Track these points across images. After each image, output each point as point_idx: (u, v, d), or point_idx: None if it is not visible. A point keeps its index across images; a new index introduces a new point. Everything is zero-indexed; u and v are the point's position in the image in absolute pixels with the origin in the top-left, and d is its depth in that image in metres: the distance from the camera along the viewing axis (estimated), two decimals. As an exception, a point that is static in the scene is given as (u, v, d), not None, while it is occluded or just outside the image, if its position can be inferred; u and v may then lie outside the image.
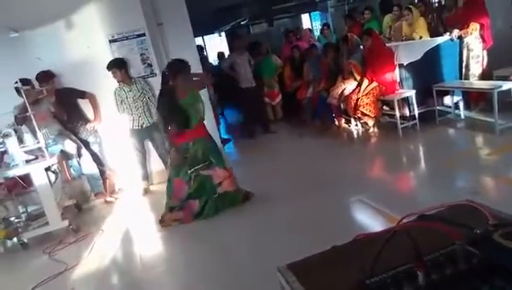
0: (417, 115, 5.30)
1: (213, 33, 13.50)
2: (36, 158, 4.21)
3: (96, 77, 5.04)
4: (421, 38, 5.82)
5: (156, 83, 4.73)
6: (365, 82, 5.56)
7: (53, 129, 4.79)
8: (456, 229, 1.05)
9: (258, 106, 7.02)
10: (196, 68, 4.27)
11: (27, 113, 4.10)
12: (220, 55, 9.34)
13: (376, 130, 5.75)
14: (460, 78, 5.47)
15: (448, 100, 5.52)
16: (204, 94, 4.51)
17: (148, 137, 5.17)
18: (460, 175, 3.99)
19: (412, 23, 5.97)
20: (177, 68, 3.87)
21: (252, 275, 2.86)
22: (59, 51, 4.98)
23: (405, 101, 5.40)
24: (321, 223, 3.34)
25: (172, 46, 5.34)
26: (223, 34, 13.52)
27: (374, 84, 5.49)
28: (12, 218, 4.38)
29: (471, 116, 5.38)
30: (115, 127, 5.19)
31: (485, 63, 5.35)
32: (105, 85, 5.00)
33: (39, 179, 4.08)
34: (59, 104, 4.90)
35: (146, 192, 5.21)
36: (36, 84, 4.70)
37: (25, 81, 4.33)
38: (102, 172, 5.19)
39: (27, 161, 4.13)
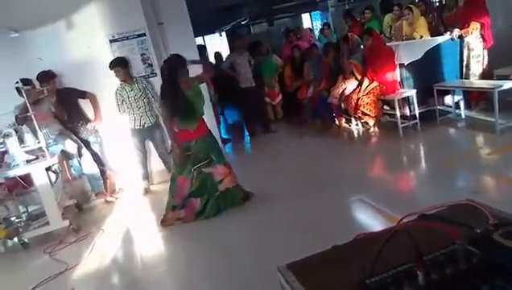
0: (417, 115, 5.29)
1: (214, 33, 13.50)
2: (37, 158, 4.22)
3: (96, 77, 5.05)
4: (421, 37, 5.81)
5: (157, 83, 4.73)
6: (366, 82, 5.55)
7: (54, 129, 4.80)
8: (457, 229, 1.05)
9: (258, 106, 7.02)
10: (196, 68, 4.27)
11: (28, 113, 4.10)
12: (217, 55, 9.20)
13: (376, 129, 5.75)
14: (461, 77, 5.47)
15: (448, 99, 5.52)
16: (203, 92, 4.50)
17: (149, 137, 5.18)
18: (460, 174, 3.99)
19: (413, 23, 5.96)
20: (176, 62, 3.86)
21: (253, 275, 2.86)
22: (59, 51, 4.98)
23: (405, 100, 5.39)
24: (321, 223, 3.34)
25: (173, 46, 5.33)
26: (223, 34, 13.51)
27: (375, 83, 5.49)
28: (13, 218, 4.38)
29: (471, 115, 5.37)
30: (116, 127, 5.20)
31: (485, 62, 5.34)
32: (106, 85, 5.00)
33: (40, 179, 4.08)
34: (60, 104, 4.91)
35: (147, 191, 5.22)
36: (37, 84, 4.70)
37: (26, 81, 4.34)
38: (103, 172, 5.19)
39: (28, 161, 4.14)
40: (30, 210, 4.53)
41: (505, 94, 4.52)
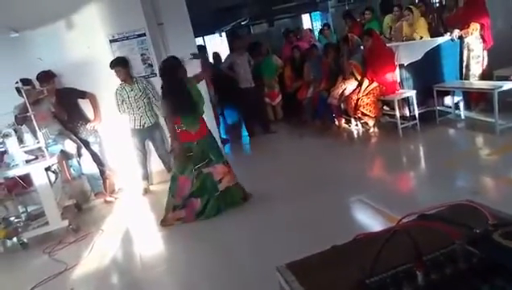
0: (417, 115, 5.29)
1: (214, 33, 13.49)
2: (36, 158, 4.22)
3: (96, 77, 5.05)
4: (421, 38, 5.81)
5: (157, 83, 4.73)
6: (366, 82, 5.55)
7: (53, 129, 4.79)
8: (456, 229, 1.05)
9: (257, 106, 7.02)
10: (194, 67, 4.27)
11: (28, 113, 4.10)
12: (216, 55, 9.17)
13: (376, 130, 5.75)
14: (461, 78, 5.47)
15: (448, 100, 5.52)
16: (203, 91, 4.51)
17: (149, 137, 5.18)
18: (460, 175, 3.99)
19: (413, 23, 5.97)
20: (173, 63, 3.87)
21: (252, 275, 2.86)
22: (59, 51, 4.98)
23: (405, 101, 5.39)
24: (321, 223, 3.34)
25: (173, 46, 5.33)
26: (223, 34, 13.51)
27: (375, 84, 5.49)
28: (12, 218, 4.38)
29: (471, 116, 5.37)
30: (115, 127, 5.19)
31: (485, 63, 5.34)
32: (106, 85, 5.00)
33: (39, 179, 4.08)
34: (60, 104, 4.90)
35: (146, 192, 5.21)
36: (37, 84, 4.70)
37: (25, 81, 4.34)
38: (102, 172, 5.19)
39: (27, 161, 4.14)
40: (29, 210, 4.53)
41: (504, 95, 4.52)
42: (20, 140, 4.09)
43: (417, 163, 4.66)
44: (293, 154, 5.81)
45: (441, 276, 0.93)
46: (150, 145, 5.26)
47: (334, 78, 6.18)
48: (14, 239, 4.18)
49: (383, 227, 1.49)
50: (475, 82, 5.29)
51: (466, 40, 5.31)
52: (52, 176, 4.46)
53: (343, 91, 5.84)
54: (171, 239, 3.84)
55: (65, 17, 4.94)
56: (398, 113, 5.23)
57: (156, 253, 3.69)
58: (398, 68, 5.50)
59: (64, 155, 4.74)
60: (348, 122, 6.19)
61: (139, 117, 5.02)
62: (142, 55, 5.17)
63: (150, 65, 5.21)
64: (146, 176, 5.29)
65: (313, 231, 3.13)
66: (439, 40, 5.41)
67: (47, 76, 4.81)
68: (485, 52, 5.31)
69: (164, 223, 4.05)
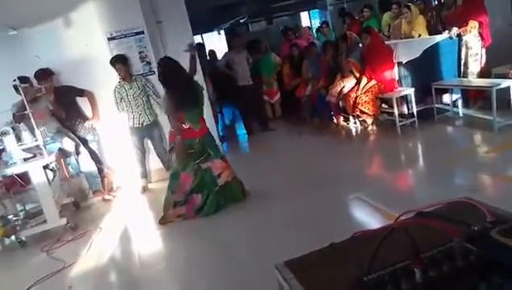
0: (415, 113, 5.30)
1: (212, 31, 13.47)
2: (34, 156, 4.20)
3: (94, 75, 5.03)
4: (420, 36, 5.82)
5: (155, 81, 4.72)
6: (364, 80, 5.55)
7: (51, 127, 4.78)
8: (454, 227, 1.05)
9: (255, 104, 7.01)
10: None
11: (26, 111, 4.08)
12: (211, 53, 9.12)
13: (374, 127, 5.76)
14: (459, 76, 5.48)
15: (446, 98, 5.53)
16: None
17: (148, 135, 5.17)
18: (458, 172, 3.99)
19: (411, 21, 5.97)
20: (169, 64, 3.89)
21: (251, 272, 2.86)
22: (57, 49, 4.96)
23: (403, 99, 5.39)
24: (319, 220, 3.34)
25: (171, 44, 5.31)
26: (222, 32, 13.48)
27: (373, 82, 5.49)
28: (10, 216, 4.37)
29: (469, 114, 5.38)
30: (113, 125, 5.18)
31: (483, 61, 5.35)
32: (104, 83, 4.99)
33: (37, 177, 4.07)
34: (58, 102, 4.89)
35: (145, 190, 5.21)
36: (35, 82, 4.69)
37: (23, 79, 4.33)
38: (100, 170, 5.18)
39: (25, 159, 4.12)
40: (27, 208, 4.52)
41: (502, 93, 4.52)
42: (18, 138, 4.07)
43: (415, 160, 4.67)
44: (291, 152, 5.81)
45: (439, 273, 0.93)
46: (148, 143, 5.26)
47: (332, 76, 6.18)
48: (13, 237, 4.17)
49: (381, 225, 1.50)
50: (473, 80, 5.30)
51: (464, 38, 5.31)
52: (50, 174, 4.44)
53: (341, 89, 5.84)
54: (170, 237, 3.84)
55: (63, 15, 4.92)
56: (396, 111, 5.23)
57: (154, 251, 3.69)
58: (396, 65, 5.50)
59: (62, 153, 4.73)
60: (346, 119, 6.19)
61: (138, 115, 5.01)
62: (140, 53, 5.15)
63: (149, 63, 5.19)
64: (145, 174, 5.28)
65: (311, 229, 3.13)
66: (438, 38, 5.41)
67: (44, 74, 4.79)
68: (484, 50, 5.32)
69: (163, 221, 4.04)
